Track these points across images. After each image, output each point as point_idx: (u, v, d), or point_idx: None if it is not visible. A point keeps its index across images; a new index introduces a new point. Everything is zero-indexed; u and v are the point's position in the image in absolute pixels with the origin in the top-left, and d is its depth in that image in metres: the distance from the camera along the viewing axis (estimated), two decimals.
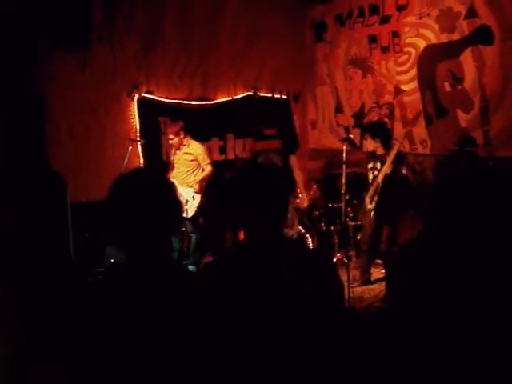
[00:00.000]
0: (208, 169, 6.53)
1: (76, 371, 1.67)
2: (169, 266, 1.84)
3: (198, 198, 6.49)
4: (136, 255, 1.78)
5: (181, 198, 6.15)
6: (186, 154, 6.46)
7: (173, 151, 6.58)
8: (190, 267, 6.46)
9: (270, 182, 1.97)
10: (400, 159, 5.83)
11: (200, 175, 6.52)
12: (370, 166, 6.00)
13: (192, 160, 6.47)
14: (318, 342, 1.87)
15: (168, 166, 6.60)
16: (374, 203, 5.85)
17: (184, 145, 6.46)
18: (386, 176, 5.74)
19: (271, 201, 1.94)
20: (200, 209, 6.52)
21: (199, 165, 6.51)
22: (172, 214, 1.85)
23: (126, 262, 1.79)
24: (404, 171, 5.87)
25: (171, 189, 1.87)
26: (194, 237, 6.59)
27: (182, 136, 6.40)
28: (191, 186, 6.47)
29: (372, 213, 5.92)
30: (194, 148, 6.48)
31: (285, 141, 6.39)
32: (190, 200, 6.44)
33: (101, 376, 1.67)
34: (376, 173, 5.90)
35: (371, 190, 5.89)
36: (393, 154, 5.67)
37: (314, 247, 6.55)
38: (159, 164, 6.80)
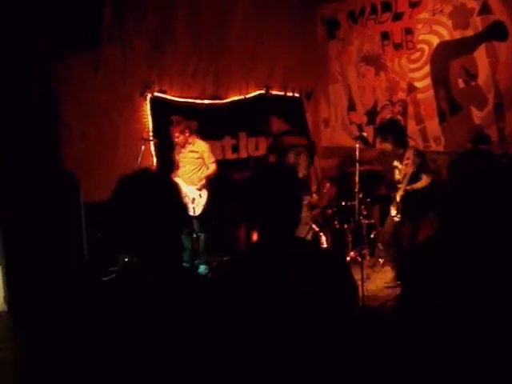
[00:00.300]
0: (212, 167, 6.52)
1: (76, 371, 1.67)
2: (180, 265, 1.85)
3: (204, 196, 6.45)
4: (148, 255, 1.79)
5: (186, 198, 6.20)
6: (192, 152, 6.46)
7: (178, 150, 6.58)
8: (202, 266, 6.47)
9: (282, 182, 1.96)
10: (419, 168, 5.70)
11: (205, 173, 6.52)
12: (394, 164, 5.95)
13: (198, 158, 6.47)
14: (329, 343, 1.86)
15: (173, 165, 6.60)
16: (399, 216, 5.79)
17: (189, 143, 6.46)
18: (402, 196, 5.70)
19: (282, 200, 1.93)
20: (208, 207, 6.50)
21: (204, 163, 6.50)
22: (180, 212, 1.86)
23: (138, 262, 1.80)
24: (425, 181, 5.72)
25: (177, 188, 1.88)
26: (202, 236, 6.57)
27: (187, 134, 6.40)
28: (196, 184, 6.47)
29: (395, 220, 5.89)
30: (200, 146, 6.48)
31: (308, 138, 6.41)
32: (197, 198, 6.41)
33: (104, 376, 1.68)
34: (398, 172, 5.87)
35: (394, 203, 5.83)
36: (409, 172, 5.61)
37: (328, 246, 6.53)
38: (171, 163, 6.80)
